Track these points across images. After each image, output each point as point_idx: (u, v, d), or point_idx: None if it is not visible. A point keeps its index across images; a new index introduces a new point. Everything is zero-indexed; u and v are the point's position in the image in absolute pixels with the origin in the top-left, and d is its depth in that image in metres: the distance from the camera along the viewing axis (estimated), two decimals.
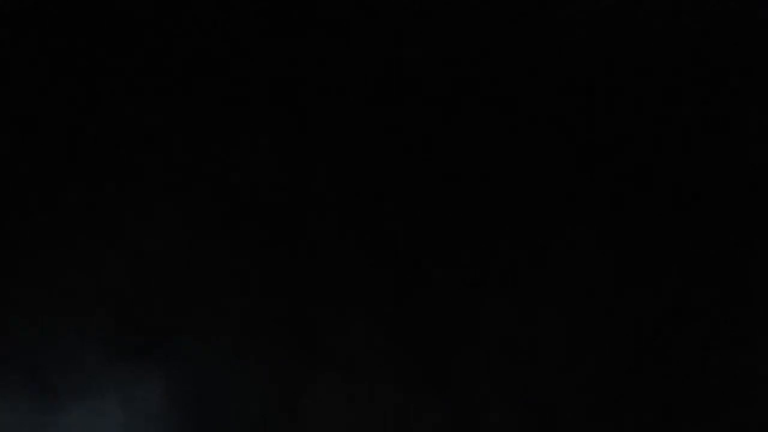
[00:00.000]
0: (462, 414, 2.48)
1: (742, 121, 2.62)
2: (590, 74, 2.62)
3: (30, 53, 2.50)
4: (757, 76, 2.62)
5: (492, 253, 2.55)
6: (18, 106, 2.49)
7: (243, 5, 2.50)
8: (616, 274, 2.56)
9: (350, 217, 2.53)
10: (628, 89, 2.63)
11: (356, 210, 2.54)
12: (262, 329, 2.46)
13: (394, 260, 2.53)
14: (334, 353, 2.47)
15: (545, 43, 2.58)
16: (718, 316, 2.54)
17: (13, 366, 2.38)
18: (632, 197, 2.59)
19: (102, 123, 2.50)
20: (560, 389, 2.50)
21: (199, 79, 2.54)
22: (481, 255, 2.55)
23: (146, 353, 2.42)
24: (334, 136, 2.57)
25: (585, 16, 2.54)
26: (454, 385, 2.49)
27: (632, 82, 2.63)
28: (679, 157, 2.61)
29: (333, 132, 2.57)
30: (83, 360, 2.40)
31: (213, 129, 2.53)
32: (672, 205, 2.59)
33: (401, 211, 2.55)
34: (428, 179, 2.57)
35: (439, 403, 2.48)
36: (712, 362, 2.52)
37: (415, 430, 2.46)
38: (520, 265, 2.55)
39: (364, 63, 2.58)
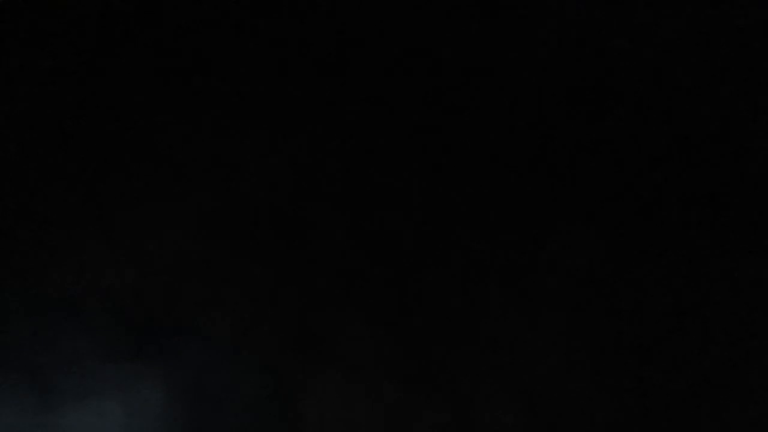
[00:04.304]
0: (462, 414, 2.48)
1: (743, 120, 2.62)
2: (587, 73, 2.63)
3: (29, 53, 2.51)
4: (757, 76, 2.63)
5: (491, 253, 2.55)
6: (16, 106, 2.49)
7: (244, 3, 2.51)
8: (616, 272, 2.56)
9: (351, 218, 2.53)
10: (626, 88, 2.63)
11: (357, 210, 2.54)
12: (262, 329, 2.46)
13: (394, 260, 2.53)
14: (334, 353, 2.47)
15: (542, 42, 2.59)
16: (718, 315, 2.55)
17: (13, 366, 2.38)
18: (632, 196, 2.59)
19: (102, 122, 2.50)
20: (560, 389, 2.50)
21: (201, 78, 2.54)
22: (481, 255, 2.55)
23: (146, 353, 2.42)
24: (336, 137, 2.57)
25: (582, 18, 2.55)
26: (454, 385, 2.49)
27: (630, 81, 2.63)
28: (679, 156, 2.61)
29: (335, 132, 2.57)
30: (83, 360, 2.40)
31: (215, 128, 2.54)
32: (672, 205, 2.59)
33: (402, 210, 2.55)
34: (428, 179, 2.57)
35: (439, 403, 2.47)
36: (712, 361, 2.52)
37: (415, 430, 2.46)
38: (520, 265, 2.55)
39: (366, 63, 2.59)
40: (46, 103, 2.50)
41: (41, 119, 2.50)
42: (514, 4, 2.62)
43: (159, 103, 2.53)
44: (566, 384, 2.51)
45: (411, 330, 2.51)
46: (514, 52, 2.61)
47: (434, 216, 2.56)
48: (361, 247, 2.53)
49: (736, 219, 2.59)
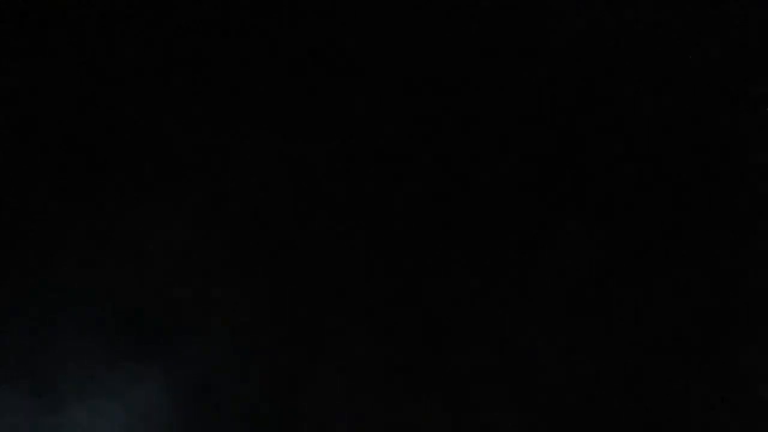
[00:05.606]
0: (462, 414, 2.48)
1: (745, 121, 2.62)
2: (584, 77, 2.63)
3: (29, 53, 2.50)
4: (758, 76, 2.62)
5: (492, 253, 2.55)
6: (17, 106, 2.48)
7: (244, 3, 2.50)
8: (616, 273, 2.56)
9: (351, 218, 2.53)
10: (622, 92, 2.63)
11: (357, 210, 2.54)
12: (262, 329, 2.46)
13: (395, 260, 2.53)
14: (334, 353, 2.47)
15: (544, 43, 2.59)
16: (717, 316, 2.54)
17: (13, 366, 2.38)
18: (633, 197, 2.59)
19: (102, 123, 2.50)
20: (561, 389, 2.50)
21: (201, 79, 2.54)
22: (482, 256, 2.55)
23: (146, 353, 2.42)
24: (336, 138, 2.57)
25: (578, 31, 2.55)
26: (455, 385, 2.49)
27: (631, 82, 2.63)
28: (677, 158, 2.61)
29: (335, 133, 2.57)
30: (83, 360, 2.40)
31: (215, 129, 2.53)
32: (673, 206, 2.59)
33: (402, 211, 2.55)
34: (428, 179, 2.57)
35: (439, 403, 2.47)
36: (713, 361, 2.52)
37: (415, 430, 2.46)
38: (521, 265, 2.55)
39: (368, 63, 2.59)
40: (46, 104, 2.50)
41: (41, 120, 2.50)
42: (514, 5, 2.61)
43: (159, 104, 2.53)
44: (567, 384, 2.50)
45: (411, 330, 2.50)
46: (514, 54, 2.61)
47: (435, 216, 2.56)
48: (362, 247, 2.53)
49: (737, 219, 2.59)
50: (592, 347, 2.53)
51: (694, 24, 2.62)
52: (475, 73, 2.62)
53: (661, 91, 2.63)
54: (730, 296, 2.55)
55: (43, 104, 2.50)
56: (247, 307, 2.47)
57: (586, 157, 2.61)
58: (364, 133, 2.58)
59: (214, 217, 2.50)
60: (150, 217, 2.48)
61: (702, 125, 2.62)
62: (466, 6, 2.61)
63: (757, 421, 2.49)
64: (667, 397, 2.51)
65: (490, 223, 2.57)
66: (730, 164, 2.61)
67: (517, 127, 2.61)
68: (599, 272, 2.56)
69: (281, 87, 2.57)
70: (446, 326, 2.52)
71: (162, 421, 2.40)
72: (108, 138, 2.50)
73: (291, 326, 2.48)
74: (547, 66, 2.61)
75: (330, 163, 2.55)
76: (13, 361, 2.38)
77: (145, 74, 2.53)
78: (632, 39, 2.63)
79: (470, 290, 2.53)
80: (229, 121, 2.55)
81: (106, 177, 2.48)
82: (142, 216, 2.48)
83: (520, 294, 2.54)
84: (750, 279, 2.56)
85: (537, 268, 2.55)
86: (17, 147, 2.48)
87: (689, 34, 2.62)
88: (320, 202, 2.53)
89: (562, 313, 2.54)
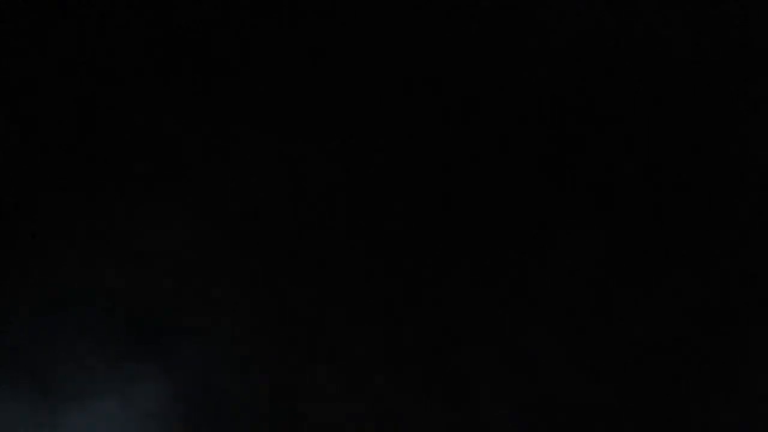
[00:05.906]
0: (462, 415, 2.48)
1: (745, 122, 2.62)
2: (584, 77, 2.63)
3: (29, 53, 2.51)
4: (758, 76, 2.63)
5: (493, 253, 2.55)
6: (16, 106, 2.49)
7: (245, 3, 2.51)
8: (618, 274, 2.56)
9: (352, 218, 2.53)
10: (622, 92, 2.63)
11: (357, 209, 2.54)
12: (262, 329, 2.46)
13: (395, 260, 2.53)
14: (335, 353, 2.47)
15: (540, 48, 2.59)
16: (717, 316, 2.55)
17: (13, 366, 2.38)
18: (630, 199, 2.60)
19: (102, 122, 2.50)
20: (563, 390, 2.50)
21: (201, 78, 2.54)
22: (483, 256, 2.55)
23: (146, 353, 2.42)
24: (337, 137, 2.57)
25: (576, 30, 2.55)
26: (457, 385, 2.49)
27: (627, 85, 2.63)
28: (677, 158, 2.62)
29: (336, 133, 2.57)
30: (83, 360, 2.40)
31: (215, 128, 2.54)
32: (670, 207, 2.59)
33: (403, 210, 2.55)
34: (429, 180, 2.57)
35: (440, 403, 2.48)
36: (714, 362, 2.52)
37: (417, 430, 2.46)
38: (522, 265, 2.55)
39: (368, 61, 2.59)
40: (46, 103, 2.50)
41: (41, 119, 2.50)
42: (514, 5, 2.62)
43: (159, 103, 2.53)
44: (567, 384, 2.51)
45: (413, 330, 2.51)
46: (514, 54, 2.61)
47: (435, 216, 2.56)
48: (362, 247, 2.53)
49: (737, 219, 2.59)
50: (592, 347, 2.53)
51: (694, 24, 2.63)
52: (475, 73, 2.62)
53: (661, 91, 2.63)
54: (730, 296, 2.55)
55: (43, 104, 2.51)
56: (248, 307, 2.47)
57: (586, 157, 2.61)
58: (364, 133, 2.58)
59: (214, 217, 2.50)
60: (150, 217, 2.48)
61: (702, 125, 2.63)
62: (466, 6, 2.61)
63: (757, 421, 2.50)
64: (667, 397, 2.51)
65: (490, 223, 2.57)
66: (730, 164, 2.61)
67: (517, 127, 2.62)
68: (599, 272, 2.56)
69: (281, 87, 2.58)
70: (446, 326, 2.52)
71: (162, 421, 2.40)
72: (108, 138, 2.51)
73: (291, 326, 2.48)
74: (547, 66, 2.62)
75: (330, 163, 2.56)
76: (13, 361, 2.38)
77: (145, 74, 2.53)
78: (632, 39, 2.63)
79: (470, 290, 2.54)
80: (229, 121, 2.55)
81: (106, 177, 2.49)
82: (142, 216, 2.48)
83: (520, 294, 2.54)
84: (750, 279, 2.56)
85: (537, 268, 2.55)
86: (17, 147, 2.48)
87: (689, 34, 2.63)
88: (320, 202, 2.54)
89: (562, 313, 2.54)
